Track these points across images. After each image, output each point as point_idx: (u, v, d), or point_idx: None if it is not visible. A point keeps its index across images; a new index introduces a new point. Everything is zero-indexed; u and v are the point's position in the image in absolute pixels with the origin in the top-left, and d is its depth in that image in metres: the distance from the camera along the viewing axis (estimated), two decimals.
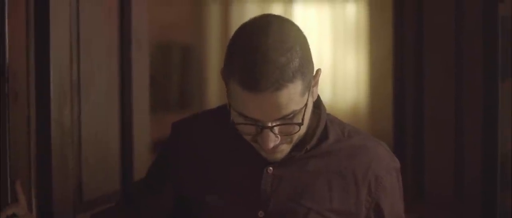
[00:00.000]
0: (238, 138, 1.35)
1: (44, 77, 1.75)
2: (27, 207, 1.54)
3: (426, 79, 2.53)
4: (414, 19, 2.58)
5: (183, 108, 3.96)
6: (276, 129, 1.28)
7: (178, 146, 1.48)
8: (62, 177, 1.82)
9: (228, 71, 1.28)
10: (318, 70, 1.35)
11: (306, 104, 1.29)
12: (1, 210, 1.50)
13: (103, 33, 2.05)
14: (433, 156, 2.48)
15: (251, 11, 4.14)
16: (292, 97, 1.26)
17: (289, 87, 1.25)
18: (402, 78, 2.69)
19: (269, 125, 1.28)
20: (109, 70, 2.08)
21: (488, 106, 2.14)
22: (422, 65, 2.54)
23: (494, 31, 2.09)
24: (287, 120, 1.28)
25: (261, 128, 1.28)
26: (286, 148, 1.35)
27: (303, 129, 1.33)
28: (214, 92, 4.10)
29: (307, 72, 1.28)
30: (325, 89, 4.19)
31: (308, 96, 1.30)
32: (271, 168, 1.38)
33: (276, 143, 1.30)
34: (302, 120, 1.30)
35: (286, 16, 1.37)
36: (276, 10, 4.26)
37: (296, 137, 1.34)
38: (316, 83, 1.35)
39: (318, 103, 1.41)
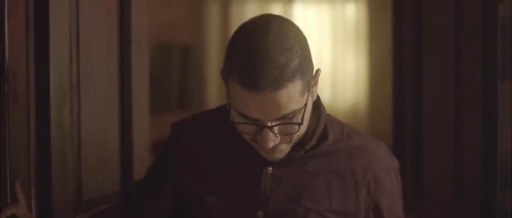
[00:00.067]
0: (238, 138, 1.35)
1: (44, 78, 1.75)
2: (26, 207, 1.54)
3: (426, 79, 2.53)
4: (413, 20, 2.58)
5: (183, 108, 3.95)
6: (275, 129, 1.29)
7: (178, 146, 1.48)
8: (62, 177, 1.82)
9: (228, 71, 1.28)
10: (318, 70, 1.35)
11: (305, 104, 1.29)
12: (1, 210, 1.50)
13: (103, 33, 2.05)
14: (432, 156, 2.48)
15: (251, 11, 4.14)
16: (292, 97, 1.26)
17: (288, 86, 1.25)
18: (401, 78, 2.69)
19: (269, 124, 1.28)
20: (108, 70, 2.08)
21: (487, 107, 2.14)
22: (422, 66, 2.54)
23: (493, 32, 2.10)
24: (287, 120, 1.28)
25: (261, 128, 1.28)
26: (285, 148, 1.35)
27: (303, 128, 1.33)
28: (213, 92, 4.09)
29: (306, 72, 1.28)
30: (324, 90, 4.18)
31: (307, 96, 1.30)
32: (270, 168, 1.38)
33: (276, 143, 1.30)
34: (302, 119, 1.30)
35: (286, 16, 1.37)
36: (276, 10, 4.26)
37: (295, 137, 1.34)
38: (316, 83, 1.35)
39: (317, 104, 1.41)
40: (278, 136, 1.30)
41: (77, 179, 1.91)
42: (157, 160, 1.55)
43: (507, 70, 2.08)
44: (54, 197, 1.79)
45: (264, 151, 1.33)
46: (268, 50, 1.24)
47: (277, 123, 1.28)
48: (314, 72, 1.33)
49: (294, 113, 1.28)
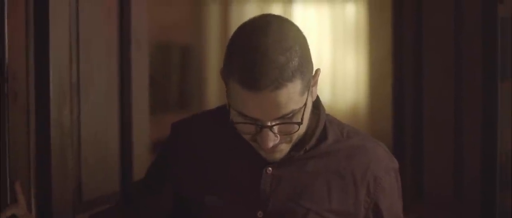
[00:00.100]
0: (238, 138, 1.35)
1: (44, 78, 1.75)
2: (26, 208, 1.54)
3: (426, 79, 2.53)
4: (413, 20, 2.58)
5: (183, 108, 3.95)
6: (275, 128, 1.29)
7: (178, 146, 1.48)
8: (62, 177, 1.82)
9: (228, 71, 1.28)
10: (317, 70, 1.35)
11: (305, 104, 1.29)
12: (1, 211, 1.50)
13: (103, 33, 2.05)
14: (432, 156, 2.48)
15: (251, 12, 4.13)
16: (292, 96, 1.26)
17: (288, 86, 1.25)
18: (401, 78, 2.69)
19: (269, 124, 1.28)
20: (108, 70, 2.08)
21: (487, 107, 2.14)
22: (422, 66, 2.54)
23: (493, 32, 2.10)
24: (287, 119, 1.28)
25: (261, 127, 1.28)
26: (285, 148, 1.35)
27: (303, 128, 1.33)
28: (213, 92, 4.09)
29: (306, 72, 1.28)
30: (324, 90, 4.18)
31: (307, 96, 1.30)
32: (270, 168, 1.38)
33: (276, 142, 1.30)
34: (302, 119, 1.30)
35: (286, 16, 1.37)
36: (276, 10, 4.26)
37: (295, 137, 1.34)
38: (316, 83, 1.35)
39: (317, 104, 1.41)
40: (278, 135, 1.30)
41: (77, 179, 1.91)
42: (157, 160, 1.55)
43: (507, 70, 2.08)
44: (54, 197, 1.79)
45: (264, 150, 1.33)
46: (268, 50, 1.24)
47: (277, 122, 1.28)
48: (313, 72, 1.33)
49: (294, 113, 1.28)
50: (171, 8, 3.79)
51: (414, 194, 2.53)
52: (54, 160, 1.78)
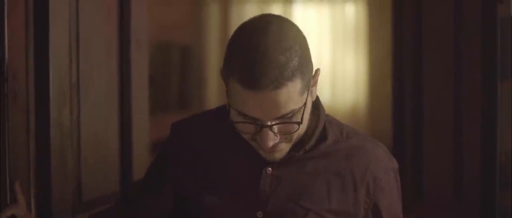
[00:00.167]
0: (238, 138, 1.35)
1: (44, 78, 1.75)
2: (26, 208, 1.54)
3: (425, 79, 2.53)
4: (413, 20, 2.58)
5: (183, 108, 3.96)
6: (275, 128, 1.29)
7: (177, 146, 1.48)
8: (61, 177, 1.82)
9: (228, 71, 1.28)
10: (317, 70, 1.35)
11: (305, 104, 1.30)
12: (1, 211, 1.50)
13: (103, 33, 2.05)
14: (432, 156, 2.48)
15: (251, 12, 4.14)
16: (291, 96, 1.26)
17: (288, 86, 1.25)
18: (401, 78, 2.69)
19: (268, 123, 1.28)
20: (108, 70, 2.08)
21: (487, 107, 2.14)
22: (421, 66, 2.54)
23: (493, 32, 2.10)
24: (286, 119, 1.29)
25: (260, 127, 1.28)
26: (285, 148, 1.35)
27: (302, 128, 1.33)
28: (213, 92, 4.10)
29: (306, 72, 1.29)
30: (324, 90, 4.19)
31: (307, 96, 1.30)
32: (270, 169, 1.38)
33: (275, 142, 1.31)
34: (301, 119, 1.30)
35: (286, 16, 1.37)
36: (276, 10, 4.26)
37: (295, 136, 1.34)
38: (315, 83, 1.35)
39: (317, 104, 1.42)
40: (278, 135, 1.30)
41: (77, 179, 1.91)
42: (157, 160, 1.55)
43: (506, 70, 2.08)
44: (53, 197, 1.79)
45: (264, 150, 1.33)
46: (268, 49, 1.25)
47: (277, 122, 1.28)
48: (313, 72, 1.33)
49: (294, 112, 1.28)
50: (171, 8, 3.79)
51: (414, 194, 2.53)
52: (54, 160, 1.78)
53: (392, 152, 1.47)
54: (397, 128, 2.72)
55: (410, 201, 2.49)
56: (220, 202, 1.40)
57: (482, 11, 2.15)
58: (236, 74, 1.26)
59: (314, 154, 1.40)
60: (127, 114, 2.15)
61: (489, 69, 2.12)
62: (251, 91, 1.25)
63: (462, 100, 2.27)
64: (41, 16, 1.74)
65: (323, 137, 1.41)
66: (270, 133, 1.29)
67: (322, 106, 1.43)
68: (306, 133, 1.38)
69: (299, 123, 1.30)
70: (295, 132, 1.31)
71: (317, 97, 1.40)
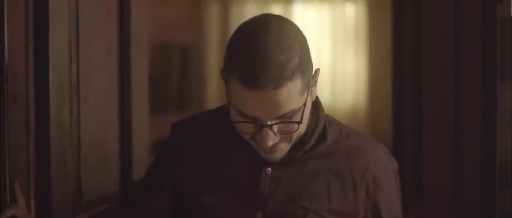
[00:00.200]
0: (237, 138, 1.36)
1: (43, 78, 1.75)
2: (26, 208, 1.54)
3: (425, 79, 2.53)
4: (413, 20, 2.58)
5: (183, 108, 3.95)
6: (275, 127, 1.29)
7: (177, 146, 1.48)
8: (61, 177, 1.82)
9: (228, 70, 1.29)
10: (317, 70, 1.35)
11: (305, 103, 1.30)
12: (0, 211, 1.50)
13: (103, 33, 2.05)
14: (432, 156, 2.48)
15: (251, 12, 4.14)
16: (291, 95, 1.26)
17: (288, 85, 1.25)
18: (401, 78, 2.69)
19: (268, 123, 1.28)
20: (108, 70, 2.08)
21: (487, 107, 2.14)
22: (421, 66, 2.54)
23: (493, 32, 2.10)
24: (286, 119, 1.29)
25: (260, 126, 1.28)
26: (285, 147, 1.35)
27: (302, 128, 1.34)
28: (213, 92, 4.09)
29: (306, 71, 1.29)
30: (324, 90, 4.19)
31: (307, 96, 1.30)
32: (269, 169, 1.38)
33: (275, 142, 1.31)
34: (301, 118, 1.30)
35: (286, 16, 1.37)
36: (276, 10, 4.26)
37: (295, 136, 1.34)
38: (315, 83, 1.35)
39: (316, 104, 1.42)
40: (278, 135, 1.30)
41: (77, 179, 1.91)
42: (156, 160, 1.55)
43: (506, 71, 2.08)
44: (53, 198, 1.79)
45: (263, 150, 1.33)
46: (268, 49, 1.25)
47: (277, 121, 1.28)
48: (313, 72, 1.33)
49: (294, 112, 1.28)
50: (171, 8, 3.79)
51: (414, 194, 2.53)
52: (54, 160, 1.78)
53: (392, 152, 1.47)
54: (397, 128, 2.72)
55: (410, 201, 2.49)
56: (220, 202, 1.40)
57: (482, 11, 2.15)
58: (236, 74, 1.26)
59: (314, 154, 1.40)
60: (127, 114, 2.15)
61: (489, 69, 2.12)
62: (251, 91, 1.25)
63: (462, 100, 2.27)
64: (41, 16, 1.75)
65: (323, 137, 1.41)
66: (270, 133, 1.29)
67: (322, 107, 1.43)
68: (306, 133, 1.38)
69: (299, 123, 1.30)
70: (295, 131, 1.31)
71: (317, 97, 1.40)
